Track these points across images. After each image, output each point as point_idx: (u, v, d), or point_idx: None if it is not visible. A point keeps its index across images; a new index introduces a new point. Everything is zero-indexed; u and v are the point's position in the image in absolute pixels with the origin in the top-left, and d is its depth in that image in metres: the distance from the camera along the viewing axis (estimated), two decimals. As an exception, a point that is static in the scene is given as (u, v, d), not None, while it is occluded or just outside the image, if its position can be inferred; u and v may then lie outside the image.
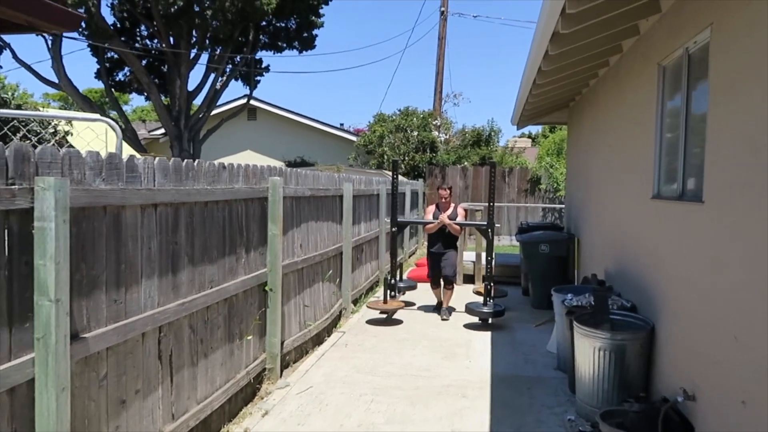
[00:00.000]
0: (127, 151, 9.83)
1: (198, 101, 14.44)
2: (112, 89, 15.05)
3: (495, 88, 74.18)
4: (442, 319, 7.35)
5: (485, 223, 7.39)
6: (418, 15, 63.28)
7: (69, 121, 7.57)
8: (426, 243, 8.08)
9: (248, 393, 4.63)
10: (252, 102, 17.48)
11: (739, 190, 2.83)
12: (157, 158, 3.39)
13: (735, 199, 2.88)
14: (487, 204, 7.33)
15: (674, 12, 3.90)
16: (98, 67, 15.35)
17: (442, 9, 18.54)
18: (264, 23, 14.33)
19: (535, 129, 30.43)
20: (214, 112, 15.23)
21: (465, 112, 73.99)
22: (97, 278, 2.81)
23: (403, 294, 8.33)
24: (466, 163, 17.07)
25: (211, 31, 11.49)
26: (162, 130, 16.58)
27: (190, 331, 3.71)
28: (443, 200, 7.58)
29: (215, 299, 3.99)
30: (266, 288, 4.84)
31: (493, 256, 7.29)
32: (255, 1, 10.80)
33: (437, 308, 7.80)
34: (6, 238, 2.30)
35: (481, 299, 7.42)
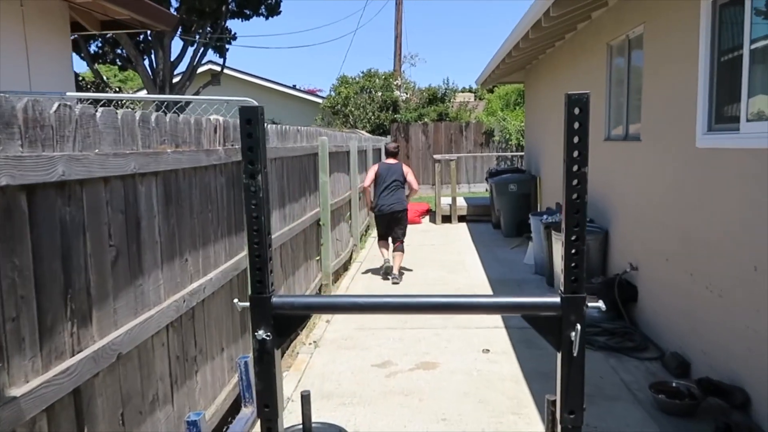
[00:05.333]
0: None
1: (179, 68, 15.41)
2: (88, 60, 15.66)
3: (449, 49, 76.62)
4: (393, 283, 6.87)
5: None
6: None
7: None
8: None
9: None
10: (215, 68, 18.39)
11: (661, 131, 4.52)
12: (271, 125, 4.79)
13: (660, 138, 4.57)
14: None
15: (618, 8, 5.53)
16: (73, 37, 15.83)
17: (398, -26, 19.79)
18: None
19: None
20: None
21: (422, 71, 75.77)
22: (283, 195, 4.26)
23: None
24: (426, 119, 18.63)
25: (193, 3, 12.43)
26: (140, 93, 17.48)
27: (290, 249, 5.19)
28: None
29: (300, 229, 5.46)
30: (320, 223, 6.33)
31: None
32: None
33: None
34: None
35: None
